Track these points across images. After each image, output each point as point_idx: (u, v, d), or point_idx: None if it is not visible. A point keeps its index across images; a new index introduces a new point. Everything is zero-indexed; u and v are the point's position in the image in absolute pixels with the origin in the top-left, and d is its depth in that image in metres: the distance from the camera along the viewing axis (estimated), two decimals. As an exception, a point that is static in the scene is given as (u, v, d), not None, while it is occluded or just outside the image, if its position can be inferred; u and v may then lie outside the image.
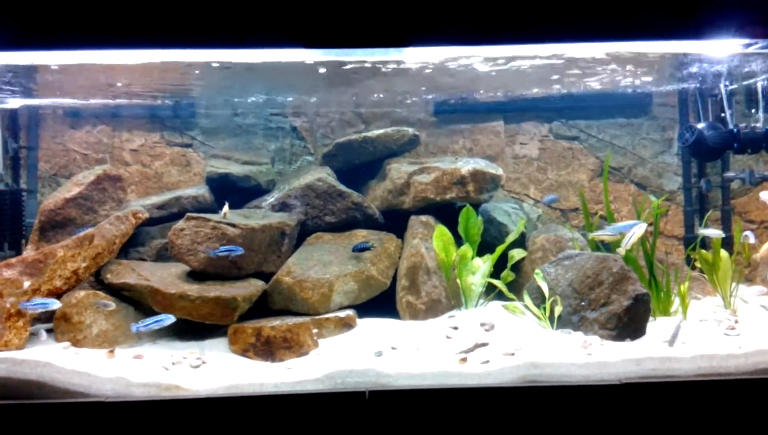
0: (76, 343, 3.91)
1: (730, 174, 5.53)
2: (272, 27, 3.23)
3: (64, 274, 4.03)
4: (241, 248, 4.20)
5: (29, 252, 4.64)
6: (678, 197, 5.97)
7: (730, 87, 5.22)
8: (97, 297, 4.05)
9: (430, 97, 5.83)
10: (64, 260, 4.04)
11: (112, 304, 3.99)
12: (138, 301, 4.18)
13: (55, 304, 3.76)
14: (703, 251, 4.82)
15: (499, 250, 4.77)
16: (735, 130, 4.96)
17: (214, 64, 4.15)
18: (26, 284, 3.90)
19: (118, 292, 4.19)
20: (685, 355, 3.54)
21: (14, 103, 5.38)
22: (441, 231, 4.68)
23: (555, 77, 4.92)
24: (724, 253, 4.81)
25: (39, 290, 3.92)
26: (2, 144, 5.40)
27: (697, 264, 4.95)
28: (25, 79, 4.63)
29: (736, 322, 4.25)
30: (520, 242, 5.11)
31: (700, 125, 5.14)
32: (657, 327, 4.15)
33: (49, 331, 4.06)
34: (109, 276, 4.23)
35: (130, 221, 4.48)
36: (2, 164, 5.39)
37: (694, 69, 4.82)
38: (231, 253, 4.07)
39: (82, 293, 4.03)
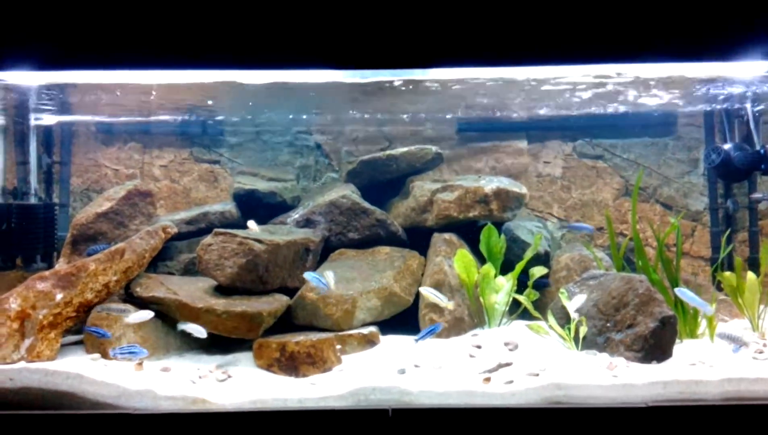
0: (105, 355, 3.98)
1: (757, 195, 5.48)
2: (301, 49, 3.31)
3: (96, 287, 4.12)
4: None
5: (61, 265, 4.75)
6: (704, 218, 5.91)
7: (757, 108, 5.18)
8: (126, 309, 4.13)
9: (453, 115, 5.87)
10: (96, 273, 4.13)
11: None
12: (166, 314, 4.25)
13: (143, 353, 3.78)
14: (727, 274, 4.74)
15: (519, 266, 4.75)
16: (762, 151, 4.92)
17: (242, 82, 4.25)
18: (59, 297, 3.99)
19: (147, 305, 4.27)
20: (712, 378, 3.50)
21: (49, 119, 5.55)
22: (462, 253, 4.67)
23: (579, 96, 4.94)
24: (751, 275, 4.74)
25: (71, 303, 4.01)
26: (36, 159, 5.57)
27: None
28: (59, 97, 4.78)
29: (765, 345, 4.19)
30: (545, 261, 5.10)
31: (727, 146, 5.11)
32: (684, 349, 4.11)
33: (79, 342, 4.16)
34: (138, 289, 4.31)
35: (160, 236, 4.57)
36: (36, 179, 5.55)
37: (720, 90, 4.79)
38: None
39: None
